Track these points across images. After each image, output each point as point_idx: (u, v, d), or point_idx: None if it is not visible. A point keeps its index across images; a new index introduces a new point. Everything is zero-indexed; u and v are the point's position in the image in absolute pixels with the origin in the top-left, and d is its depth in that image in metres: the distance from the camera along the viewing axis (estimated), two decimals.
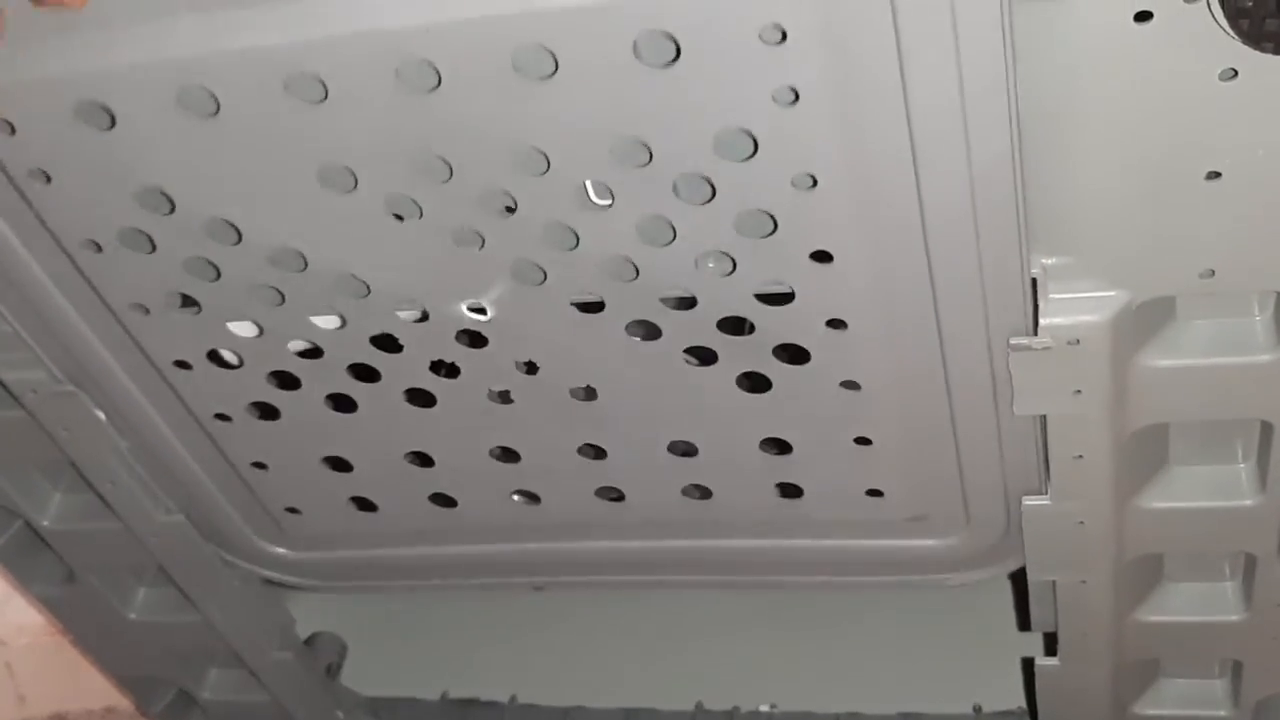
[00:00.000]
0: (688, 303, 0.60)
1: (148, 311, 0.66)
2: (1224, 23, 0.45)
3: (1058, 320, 0.57)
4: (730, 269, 0.58)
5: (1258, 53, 0.46)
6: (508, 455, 0.72)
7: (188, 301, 0.65)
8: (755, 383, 0.64)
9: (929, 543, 0.72)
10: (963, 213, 0.54)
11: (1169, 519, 0.67)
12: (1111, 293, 0.56)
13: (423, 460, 0.73)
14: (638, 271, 0.59)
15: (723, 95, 0.51)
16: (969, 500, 0.69)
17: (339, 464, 0.75)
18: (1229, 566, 0.73)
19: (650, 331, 0.63)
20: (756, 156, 0.53)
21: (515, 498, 0.75)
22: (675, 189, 0.55)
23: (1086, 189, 0.54)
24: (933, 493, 0.69)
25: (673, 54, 0.49)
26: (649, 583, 0.81)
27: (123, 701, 1.12)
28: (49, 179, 0.59)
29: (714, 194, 0.55)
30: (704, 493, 0.72)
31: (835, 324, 0.60)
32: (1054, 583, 0.70)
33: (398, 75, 0.52)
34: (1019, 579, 0.74)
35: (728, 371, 0.64)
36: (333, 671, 0.98)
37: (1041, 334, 0.57)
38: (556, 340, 0.64)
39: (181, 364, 0.69)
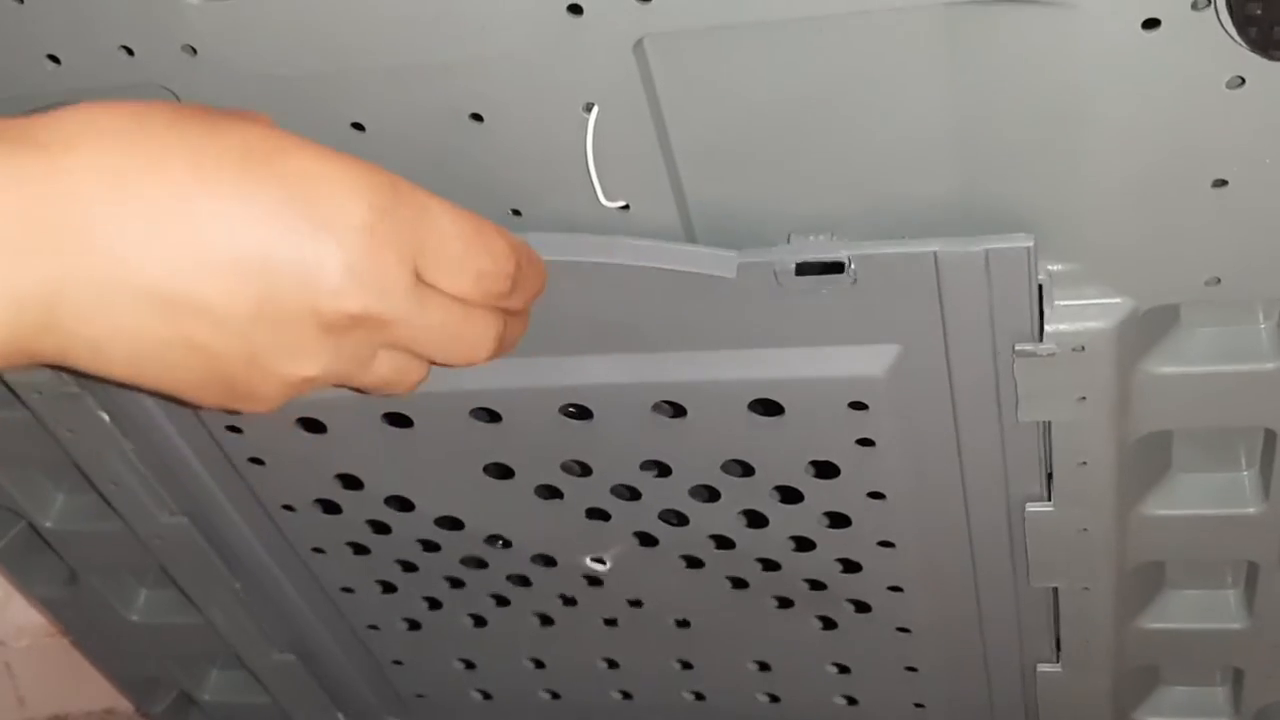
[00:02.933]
0: (774, 565, 0.74)
1: (326, 552, 0.80)
2: (1232, 31, 0.45)
3: (1063, 327, 0.56)
4: (812, 547, 0.72)
5: (1266, 61, 0.45)
6: (610, 664, 0.85)
7: (359, 548, 0.79)
8: (826, 622, 0.78)
9: None
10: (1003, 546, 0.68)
11: (1171, 526, 0.67)
12: (1117, 299, 0.56)
13: (538, 663, 0.87)
14: (735, 544, 0.73)
15: (815, 441, 0.65)
16: (995, 711, 0.83)
17: (468, 663, 0.88)
18: (1231, 574, 0.72)
19: (741, 581, 0.76)
20: (839, 478, 0.66)
21: (613, 694, 0.88)
22: (770, 494, 0.69)
23: (1092, 195, 0.53)
24: (965, 707, 0.82)
25: (779, 409, 0.64)
26: None
27: (123, 703, 1.11)
28: (264, 464, 0.73)
29: (802, 498, 0.69)
30: (774, 699, 0.85)
31: (894, 589, 0.73)
32: (1055, 589, 0.72)
33: (559, 412, 0.66)
34: None
35: (803, 613, 0.77)
36: None
37: (1046, 340, 0.56)
38: (662, 586, 0.77)
39: (347, 589, 0.83)
